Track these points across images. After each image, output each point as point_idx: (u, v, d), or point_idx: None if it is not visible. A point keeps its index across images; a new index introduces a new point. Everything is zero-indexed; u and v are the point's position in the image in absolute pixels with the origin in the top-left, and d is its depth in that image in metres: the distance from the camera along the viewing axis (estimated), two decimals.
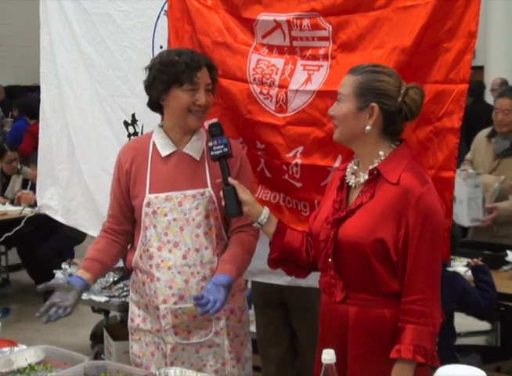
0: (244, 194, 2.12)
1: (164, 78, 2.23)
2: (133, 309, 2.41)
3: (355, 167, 2.04)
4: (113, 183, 2.41)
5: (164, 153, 2.30)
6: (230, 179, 2.14)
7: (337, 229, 1.97)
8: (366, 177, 1.97)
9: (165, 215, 2.26)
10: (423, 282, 1.88)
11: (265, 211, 2.14)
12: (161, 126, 2.35)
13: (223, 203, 2.15)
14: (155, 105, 2.34)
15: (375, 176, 1.95)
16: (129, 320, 2.42)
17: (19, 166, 6.14)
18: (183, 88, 2.21)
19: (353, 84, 1.95)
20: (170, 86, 2.22)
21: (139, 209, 2.29)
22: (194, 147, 2.30)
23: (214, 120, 2.50)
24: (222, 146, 2.15)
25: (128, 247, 2.42)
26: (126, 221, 2.38)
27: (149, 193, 2.28)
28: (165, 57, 2.27)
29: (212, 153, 2.16)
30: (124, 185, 2.35)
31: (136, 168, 2.33)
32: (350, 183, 2.02)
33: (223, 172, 2.15)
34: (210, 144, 2.17)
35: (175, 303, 2.25)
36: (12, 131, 8.21)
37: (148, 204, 2.27)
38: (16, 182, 6.09)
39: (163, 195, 2.26)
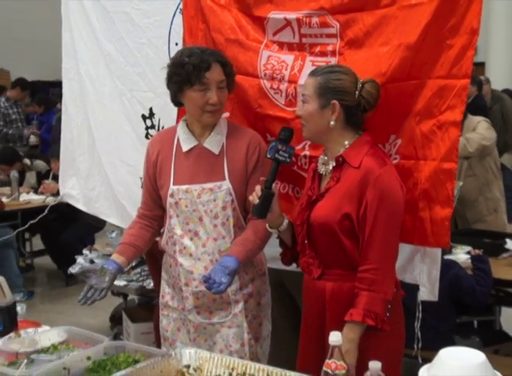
0: (276, 205, 2.11)
1: (176, 79, 2.22)
2: (164, 287, 2.45)
3: (325, 157, 2.12)
4: (144, 173, 2.44)
5: (186, 148, 2.31)
6: (274, 186, 2.11)
7: (310, 212, 2.06)
8: (334, 164, 2.05)
9: (186, 205, 2.27)
10: (377, 253, 1.95)
11: (285, 222, 2.16)
12: (185, 120, 2.35)
13: (252, 199, 2.09)
14: (176, 102, 2.35)
15: (340, 163, 2.04)
16: (160, 297, 2.46)
17: (28, 162, 6.19)
18: (194, 88, 2.20)
19: (314, 86, 2.04)
20: (182, 87, 2.22)
21: (165, 199, 2.32)
22: (213, 142, 2.29)
23: (226, 114, 2.50)
24: (287, 156, 2.11)
25: (161, 230, 2.44)
26: (157, 207, 2.39)
27: (173, 184, 2.29)
28: (177, 58, 2.25)
29: (276, 155, 2.10)
30: (152, 175, 2.37)
31: (162, 160, 2.34)
32: (321, 172, 2.11)
33: (271, 176, 2.10)
34: (279, 147, 2.10)
35: (196, 286, 2.28)
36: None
37: (171, 195, 2.29)
38: (29, 178, 6.16)
39: (183, 187, 2.28)
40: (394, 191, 1.97)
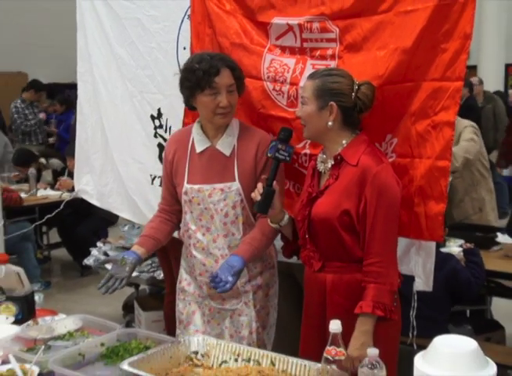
0: (278, 202, 2.11)
1: (188, 85, 2.22)
2: (181, 273, 2.46)
3: (324, 156, 2.11)
4: (163, 170, 2.44)
5: (199, 149, 2.30)
6: (275, 183, 2.10)
7: (310, 208, 2.06)
8: (332, 162, 2.05)
9: (198, 203, 2.28)
10: (380, 247, 1.95)
11: (286, 217, 2.16)
12: (199, 121, 2.34)
13: (254, 195, 2.09)
14: (190, 105, 2.34)
15: (339, 161, 2.04)
16: (178, 282, 2.48)
17: (44, 161, 6.20)
18: (205, 93, 2.19)
19: (312, 88, 2.03)
20: (193, 92, 2.22)
21: (180, 196, 2.33)
22: (225, 144, 2.28)
23: None
24: (287, 155, 2.11)
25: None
26: (176, 202, 2.39)
27: (187, 183, 2.29)
28: (188, 64, 2.25)
29: (276, 154, 2.10)
30: (169, 172, 2.38)
31: (178, 160, 2.34)
32: (320, 170, 2.10)
33: (272, 174, 2.09)
34: (279, 146, 2.10)
35: (208, 277, 2.27)
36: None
37: (185, 193, 2.30)
38: (46, 175, 6.18)
39: (196, 187, 2.28)
40: (391, 187, 1.97)
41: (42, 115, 8.16)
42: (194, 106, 2.31)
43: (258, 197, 2.07)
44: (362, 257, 1.99)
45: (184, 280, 2.44)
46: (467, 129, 3.90)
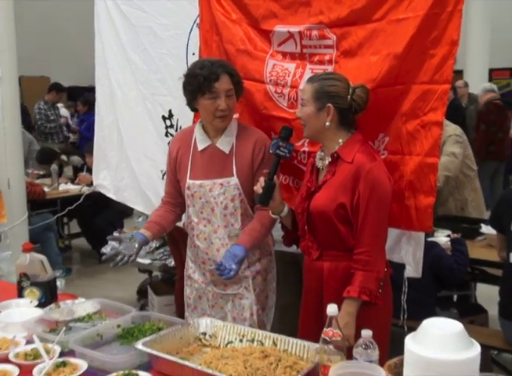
0: (278, 195, 2.11)
1: (190, 89, 2.22)
2: (188, 262, 2.47)
3: (322, 153, 2.11)
4: (166, 166, 2.44)
5: (201, 147, 2.31)
6: (275, 178, 2.10)
7: (309, 202, 2.05)
8: (330, 159, 2.04)
9: (200, 197, 2.28)
10: (369, 238, 1.95)
11: (285, 209, 2.16)
12: (201, 121, 2.34)
13: (256, 188, 2.09)
14: (192, 107, 2.34)
15: (335, 158, 2.03)
16: (185, 270, 2.48)
17: (65, 158, 6.21)
18: (205, 96, 2.19)
19: (311, 91, 2.03)
20: (195, 95, 2.22)
21: (183, 190, 2.33)
22: (225, 142, 2.28)
23: (236, 115, 2.49)
24: (287, 152, 2.11)
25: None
26: (179, 195, 2.40)
27: (189, 179, 2.30)
28: (191, 70, 2.24)
29: (278, 151, 2.10)
30: (173, 168, 2.38)
31: (181, 157, 2.34)
32: (318, 166, 2.10)
33: (273, 169, 2.10)
34: (280, 143, 2.11)
35: (211, 265, 2.30)
36: None
37: (188, 188, 2.30)
38: (67, 171, 6.21)
39: (198, 182, 2.28)
40: (382, 183, 1.97)
41: (63, 119, 8.19)
42: (196, 108, 2.31)
43: (260, 190, 2.07)
44: None
45: (190, 268, 2.45)
46: (450, 140, 3.76)
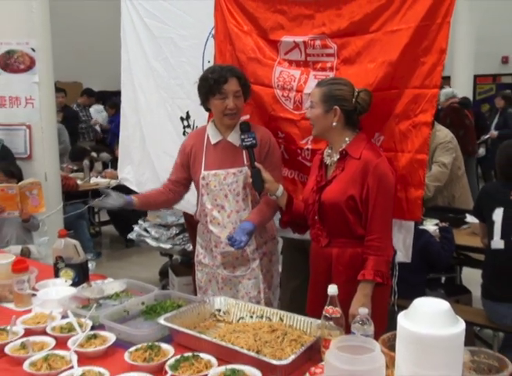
0: (266, 175, 2.12)
1: (203, 91, 2.24)
2: (198, 248, 2.46)
3: (330, 151, 2.10)
4: (177, 159, 2.43)
5: (214, 141, 2.31)
6: (256, 163, 2.13)
7: (320, 194, 2.04)
8: (338, 156, 2.03)
9: (214, 186, 2.28)
10: (379, 226, 1.95)
11: (280, 187, 2.15)
12: (213, 120, 2.35)
13: (250, 180, 2.14)
14: (206, 107, 2.35)
15: (344, 155, 2.02)
16: (195, 256, 2.48)
17: (95, 155, 6.24)
18: (215, 97, 2.21)
19: (320, 94, 2.02)
20: (207, 96, 2.24)
21: (197, 181, 2.32)
22: (235, 137, 2.29)
23: (247, 116, 2.49)
24: (251, 139, 2.14)
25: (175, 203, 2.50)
26: (180, 185, 2.42)
27: (204, 170, 2.30)
28: (204, 74, 2.26)
29: (244, 143, 2.16)
30: (185, 162, 2.38)
31: (195, 152, 2.35)
32: (327, 162, 2.08)
33: (251, 158, 2.14)
34: (242, 137, 2.16)
35: (223, 248, 2.29)
36: None
37: (203, 178, 2.30)
38: (97, 166, 6.25)
39: (212, 172, 2.28)
40: (388, 176, 1.97)
41: (93, 121, 8.24)
42: (209, 108, 2.31)
43: (250, 179, 2.12)
44: (363, 234, 1.98)
45: (200, 253, 2.44)
46: (441, 147, 3.68)
